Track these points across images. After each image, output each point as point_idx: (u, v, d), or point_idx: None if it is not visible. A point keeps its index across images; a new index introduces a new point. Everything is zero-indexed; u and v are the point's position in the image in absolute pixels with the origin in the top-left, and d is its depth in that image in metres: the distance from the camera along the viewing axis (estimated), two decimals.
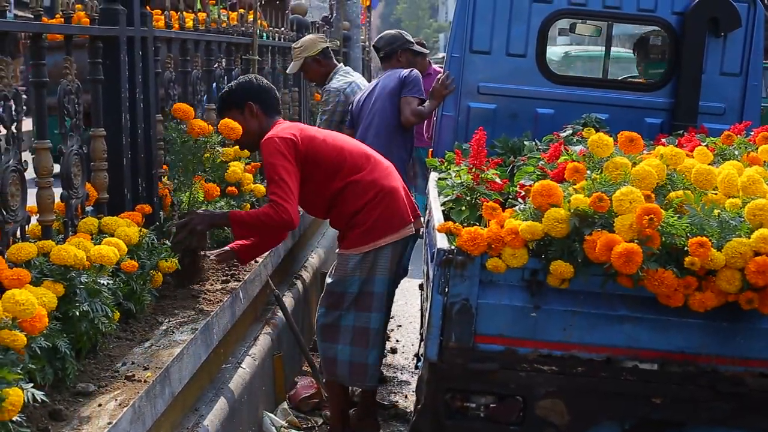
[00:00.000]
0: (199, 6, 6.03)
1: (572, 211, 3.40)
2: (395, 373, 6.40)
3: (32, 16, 3.62)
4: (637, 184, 3.44)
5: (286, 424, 5.06)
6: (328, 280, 4.86)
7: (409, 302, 8.09)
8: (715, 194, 3.59)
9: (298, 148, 4.56)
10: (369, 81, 8.32)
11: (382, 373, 5.61)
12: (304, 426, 5.21)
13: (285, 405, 5.27)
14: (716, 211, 3.42)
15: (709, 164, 3.82)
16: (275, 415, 5.04)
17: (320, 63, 7.05)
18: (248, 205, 5.59)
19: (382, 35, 7.02)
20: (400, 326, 7.52)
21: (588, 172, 3.68)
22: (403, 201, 4.79)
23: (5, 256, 3.14)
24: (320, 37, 7.53)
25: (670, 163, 3.80)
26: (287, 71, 7.51)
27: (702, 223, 3.35)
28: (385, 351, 5.76)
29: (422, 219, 4.99)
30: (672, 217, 3.34)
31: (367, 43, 17.29)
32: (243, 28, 6.63)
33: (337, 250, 4.89)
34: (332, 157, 4.69)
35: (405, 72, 6.55)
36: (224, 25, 6.25)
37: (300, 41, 7.31)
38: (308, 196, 4.72)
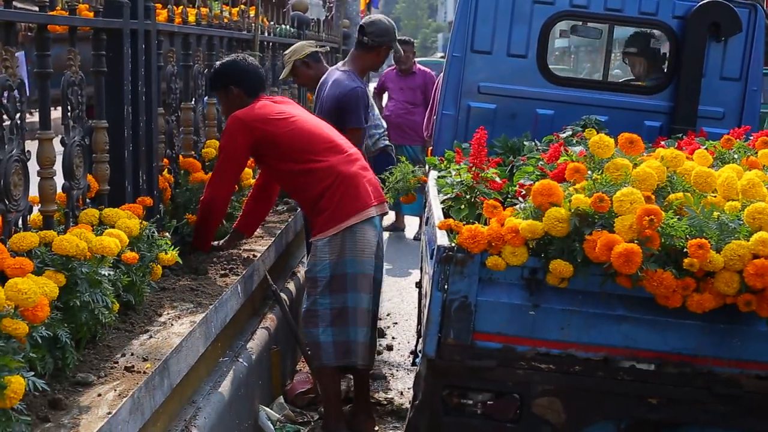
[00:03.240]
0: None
1: (573, 210, 3.42)
2: (391, 369, 6.41)
3: (36, 9, 3.63)
4: (638, 186, 3.46)
5: (282, 418, 5.07)
6: (306, 268, 4.93)
7: (405, 300, 8.12)
8: (715, 197, 3.61)
9: (252, 131, 4.83)
10: (368, 80, 8.28)
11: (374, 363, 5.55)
12: (300, 420, 5.23)
13: (281, 399, 5.29)
14: (716, 214, 3.43)
15: (708, 167, 3.84)
16: (271, 409, 5.06)
17: (309, 66, 6.95)
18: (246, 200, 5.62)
19: (375, 21, 6.34)
20: (396, 323, 7.53)
21: (589, 172, 3.69)
22: (364, 186, 4.88)
23: (7, 245, 3.15)
24: (309, 42, 7.51)
25: (670, 165, 3.82)
26: (279, 77, 7.49)
27: (701, 225, 3.37)
28: (378, 345, 5.75)
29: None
30: (672, 218, 3.36)
31: None
32: (246, 27, 6.65)
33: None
34: (292, 140, 4.87)
35: (344, 92, 5.97)
36: (226, 20, 6.26)
37: (290, 48, 7.30)
38: (271, 173, 5.13)
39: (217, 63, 5.29)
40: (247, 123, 4.83)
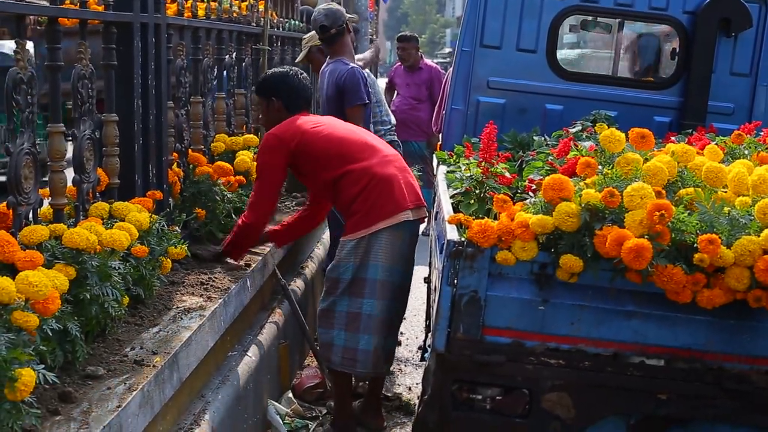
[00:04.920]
0: None
1: (583, 205, 3.41)
2: (399, 365, 6.41)
3: (46, 2, 3.64)
4: (649, 181, 3.45)
5: (291, 413, 5.08)
6: (328, 267, 4.90)
7: (413, 295, 8.03)
8: (725, 192, 3.60)
9: (288, 145, 4.81)
10: (375, 75, 8.28)
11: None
12: (308, 415, 5.23)
13: (289, 394, 5.30)
14: (726, 209, 3.43)
15: (719, 163, 3.83)
16: (280, 403, 5.06)
17: (324, 53, 6.94)
18: None
19: (327, 13, 6.37)
20: (404, 318, 7.51)
21: (599, 167, 3.69)
22: (399, 188, 4.79)
23: (18, 238, 3.15)
24: None
25: (681, 160, 3.81)
26: (295, 60, 7.52)
27: (712, 221, 3.37)
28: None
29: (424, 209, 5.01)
30: (682, 213, 3.36)
31: (374, 37, 17.30)
32: (255, 20, 6.65)
33: None
34: (326, 148, 4.84)
35: (341, 74, 6.14)
36: (235, 14, 6.26)
37: (308, 33, 7.31)
38: (313, 185, 5.09)
39: (269, 71, 5.36)
40: (281, 137, 4.83)
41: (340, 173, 4.78)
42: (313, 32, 7.06)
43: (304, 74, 5.27)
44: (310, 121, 5.03)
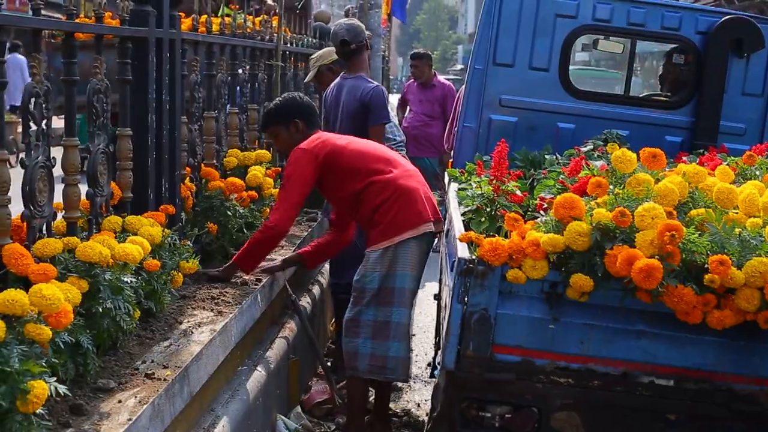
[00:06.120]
0: (228, 11, 6.06)
1: (594, 225, 3.42)
2: (408, 381, 6.40)
3: (59, 17, 3.66)
4: (660, 201, 3.46)
5: (300, 428, 5.08)
6: (355, 278, 4.92)
7: (422, 312, 8.10)
8: (736, 213, 3.60)
9: (317, 156, 4.87)
10: (387, 91, 8.30)
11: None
12: (317, 431, 5.23)
13: (298, 409, 5.29)
14: (737, 230, 3.44)
15: (730, 183, 3.83)
16: (289, 418, 5.06)
17: (334, 72, 6.93)
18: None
19: (349, 28, 6.35)
20: (413, 335, 7.51)
21: (610, 187, 3.70)
22: (422, 200, 4.88)
23: (31, 251, 3.17)
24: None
25: (692, 180, 3.82)
26: (305, 80, 7.53)
27: (723, 242, 3.37)
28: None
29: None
30: (693, 234, 3.36)
31: (386, 53, 17.34)
32: (268, 36, 6.68)
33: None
34: (351, 161, 4.93)
35: (366, 91, 6.13)
36: (249, 30, 6.29)
37: (317, 53, 7.31)
38: (335, 199, 5.15)
39: (277, 99, 5.38)
40: (312, 150, 4.89)
41: (364, 184, 4.86)
42: (323, 52, 7.08)
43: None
44: (331, 136, 5.17)
